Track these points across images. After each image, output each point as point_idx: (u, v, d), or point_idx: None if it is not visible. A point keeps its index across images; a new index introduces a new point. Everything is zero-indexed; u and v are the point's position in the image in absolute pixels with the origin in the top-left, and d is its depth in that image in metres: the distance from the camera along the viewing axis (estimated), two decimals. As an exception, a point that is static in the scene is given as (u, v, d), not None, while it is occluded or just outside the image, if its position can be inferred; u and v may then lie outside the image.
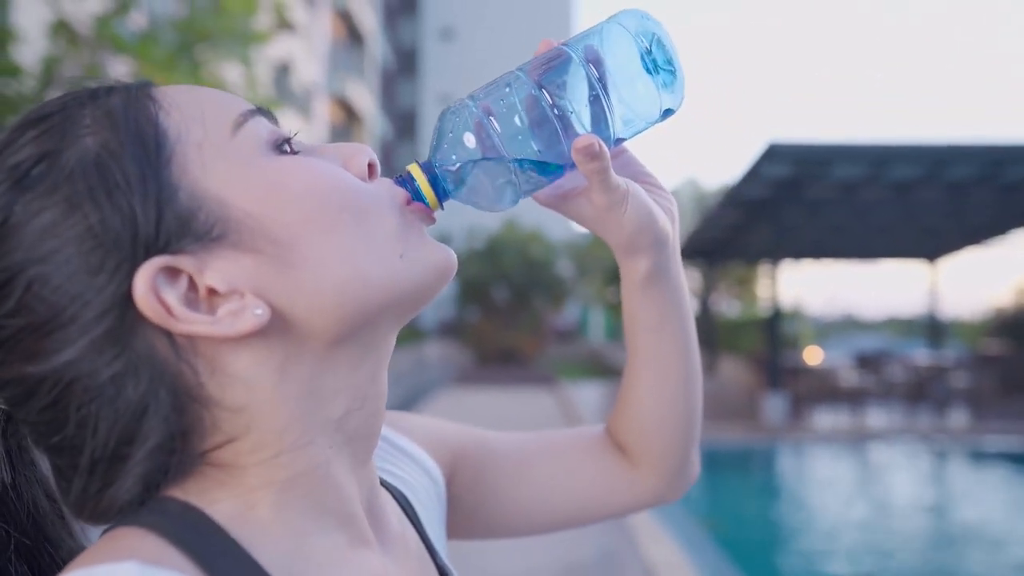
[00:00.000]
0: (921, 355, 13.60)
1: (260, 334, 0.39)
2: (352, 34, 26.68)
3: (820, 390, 11.15)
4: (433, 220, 0.46)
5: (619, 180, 0.48)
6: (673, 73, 0.47)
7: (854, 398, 10.84)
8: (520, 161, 0.45)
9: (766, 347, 10.51)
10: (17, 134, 0.40)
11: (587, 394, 12.55)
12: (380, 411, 0.45)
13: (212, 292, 0.39)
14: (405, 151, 35.43)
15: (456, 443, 0.61)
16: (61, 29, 6.07)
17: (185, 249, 0.38)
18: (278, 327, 0.40)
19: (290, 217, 0.40)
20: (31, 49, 5.97)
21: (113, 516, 0.40)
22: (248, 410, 0.40)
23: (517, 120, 0.45)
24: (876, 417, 10.04)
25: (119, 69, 6.33)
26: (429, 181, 0.45)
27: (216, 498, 0.40)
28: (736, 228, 12.44)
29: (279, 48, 16.83)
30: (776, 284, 10.23)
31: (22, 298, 0.37)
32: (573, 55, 0.46)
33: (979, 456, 8.47)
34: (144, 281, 0.37)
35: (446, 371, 16.28)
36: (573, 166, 0.46)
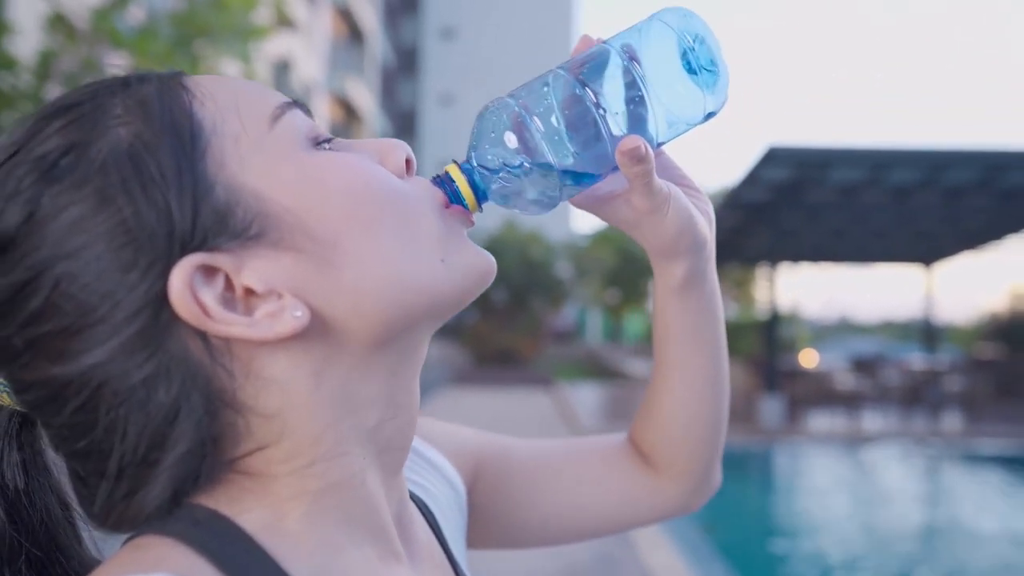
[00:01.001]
0: (916, 359, 13.62)
1: (298, 336, 0.37)
2: (352, 32, 26.64)
3: (816, 393, 11.16)
4: (472, 223, 0.44)
5: (661, 183, 0.46)
6: (716, 73, 0.45)
7: (850, 401, 10.85)
8: (561, 162, 0.43)
9: (763, 350, 10.52)
10: (43, 123, 0.37)
11: (584, 395, 12.54)
12: (412, 422, 0.43)
13: (249, 292, 0.37)
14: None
15: (478, 451, 0.59)
16: (58, 22, 6.03)
17: (222, 247, 0.37)
18: (316, 329, 0.38)
19: (330, 213, 0.38)
20: (27, 42, 5.93)
21: (138, 524, 0.37)
22: (282, 416, 0.38)
23: (555, 120, 0.43)
24: (871, 420, 10.04)
25: (116, 63, 6.30)
26: (468, 183, 0.43)
27: (246, 507, 0.38)
28: (735, 231, 12.44)
29: (279, 45, 16.80)
30: (774, 287, 10.23)
31: (49, 297, 0.35)
32: (614, 52, 0.44)
33: (973, 459, 8.48)
34: (180, 279, 0.35)
35: (444, 372, 16.25)
36: (615, 168, 0.45)
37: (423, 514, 0.50)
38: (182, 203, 0.36)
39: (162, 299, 0.36)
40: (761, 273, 14.19)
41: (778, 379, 9.94)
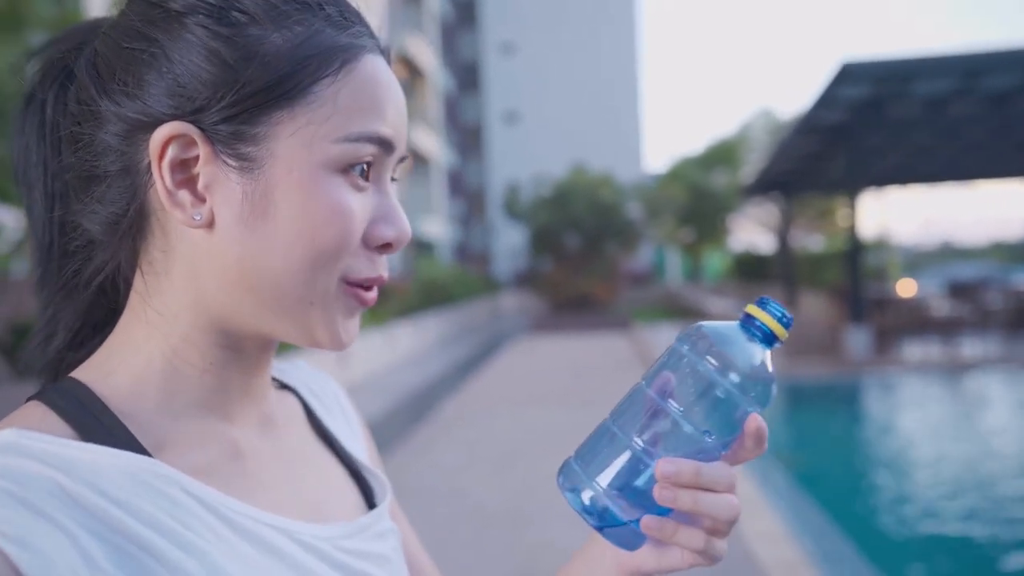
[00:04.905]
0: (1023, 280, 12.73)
1: (193, 231, 0.44)
2: (409, -12, 26.43)
3: (908, 321, 10.67)
4: (369, 303, 0.47)
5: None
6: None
7: (946, 329, 10.32)
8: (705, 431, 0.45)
9: (848, 280, 10.09)
10: None
11: (663, 335, 12.44)
12: (268, 348, 0.48)
13: (194, 179, 0.43)
14: (469, 104, 35.26)
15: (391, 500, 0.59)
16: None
17: (216, 143, 0.43)
18: (201, 247, 0.44)
19: (288, 221, 0.43)
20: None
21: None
22: (164, 265, 0.45)
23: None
24: (971, 347, 9.53)
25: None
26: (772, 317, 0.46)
27: (110, 371, 0.45)
28: (813, 157, 11.86)
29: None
30: (856, 214, 9.73)
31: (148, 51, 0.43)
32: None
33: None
34: (172, 129, 0.42)
35: (521, 320, 16.43)
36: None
37: (303, 403, 0.57)
38: (240, 99, 0.42)
39: (160, 119, 0.43)
40: (844, 200, 13.47)
41: (865, 309, 9.54)
